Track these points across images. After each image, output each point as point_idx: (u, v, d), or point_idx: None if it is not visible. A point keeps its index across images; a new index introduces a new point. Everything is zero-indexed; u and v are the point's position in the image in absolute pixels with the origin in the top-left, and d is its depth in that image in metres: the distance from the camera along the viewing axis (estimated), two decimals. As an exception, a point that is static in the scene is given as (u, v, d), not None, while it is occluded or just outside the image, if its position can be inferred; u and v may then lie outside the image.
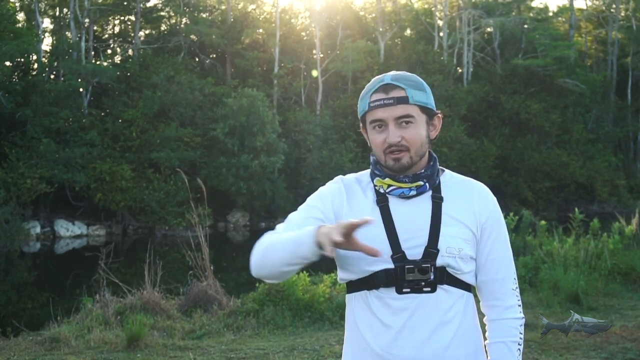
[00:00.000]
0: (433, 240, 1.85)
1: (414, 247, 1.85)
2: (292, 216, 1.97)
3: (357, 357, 1.93)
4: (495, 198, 1.98)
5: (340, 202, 1.95)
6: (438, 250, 1.85)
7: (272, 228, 1.95)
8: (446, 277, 1.86)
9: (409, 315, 1.85)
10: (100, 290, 7.21)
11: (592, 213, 19.98)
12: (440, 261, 1.84)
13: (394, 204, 1.90)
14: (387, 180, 1.91)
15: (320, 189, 2.02)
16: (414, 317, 1.85)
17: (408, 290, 1.85)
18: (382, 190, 1.92)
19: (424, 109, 1.90)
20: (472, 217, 1.91)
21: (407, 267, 1.84)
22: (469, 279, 1.91)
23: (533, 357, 5.21)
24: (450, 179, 1.97)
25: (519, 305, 1.96)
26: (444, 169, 2.01)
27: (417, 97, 1.88)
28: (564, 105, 34.32)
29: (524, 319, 1.96)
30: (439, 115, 1.95)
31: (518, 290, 1.97)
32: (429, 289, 1.85)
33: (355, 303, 1.94)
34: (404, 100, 1.86)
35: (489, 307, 1.97)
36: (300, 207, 1.99)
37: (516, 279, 1.98)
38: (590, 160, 32.60)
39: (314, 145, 27.87)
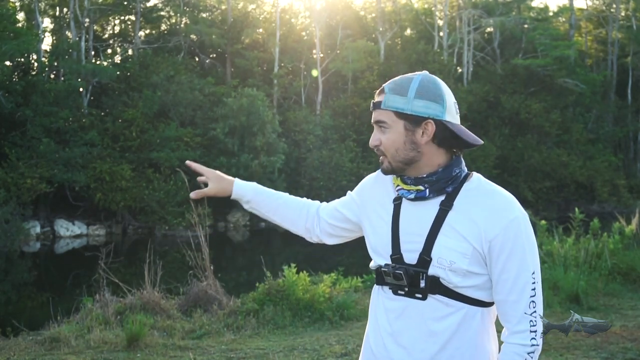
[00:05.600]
0: (427, 248, 1.82)
1: (410, 251, 1.85)
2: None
3: (363, 350, 2.00)
4: (519, 214, 1.83)
5: (361, 194, 2.08)
6: (431, 259, 1.81)
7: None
8: (440, 288, 1.81)
9: (395, 318, 1.86)
10: (100, 290, 7.21)
11: (592, 213, 19.94)
12: (431, 271, 1.81)
13: (406, 204, 1.90)
14: (398, 180, 1.91)
15: (362, 181, 2.14)
16: (400, 320, 1.85)
17: (402, 293, 1.85)
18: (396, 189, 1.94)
19: (401, 115, 1.82)
20: (476, 231, 1.80)
21: (383, 269, 1.88)
22: (473, 293, 1.82)
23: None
24: (474, 188, 1.86)
25: (532, 332, 1.79)
26: (474, 174, 1.89)
27: (390, 102, 1.83)
28: (564, 105, 34.29)
29: (536, 347, 1.80)
30: (429, 121, 1.81)
31: (536, 315, 1.80)
32: (420, 295, 1.82)
33: (372, 295, 2.00)
34: (377, 106, 1.87)
35: (504, 327, 1.86)
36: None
37: (536, 303, 1.80)
38: (590, 160, 32.56)
39: (314, 145, 27.87)
